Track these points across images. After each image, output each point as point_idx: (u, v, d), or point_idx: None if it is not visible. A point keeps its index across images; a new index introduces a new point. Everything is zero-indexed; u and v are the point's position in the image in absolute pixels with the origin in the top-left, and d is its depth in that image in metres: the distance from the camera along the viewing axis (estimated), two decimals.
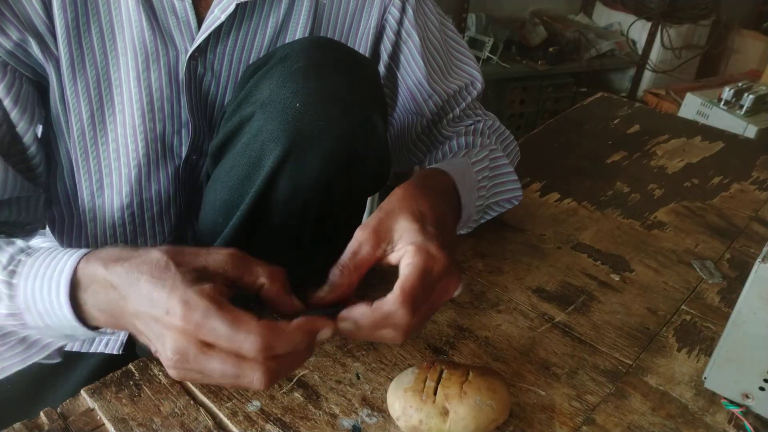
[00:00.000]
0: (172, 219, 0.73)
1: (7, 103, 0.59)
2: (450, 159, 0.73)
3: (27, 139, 0.62)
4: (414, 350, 0.66)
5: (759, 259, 0.58)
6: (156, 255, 0.46)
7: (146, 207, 0.70)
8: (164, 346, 0.44)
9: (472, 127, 0.80)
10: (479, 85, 0.81)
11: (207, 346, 0.43)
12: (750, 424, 0.60)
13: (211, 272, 0.46)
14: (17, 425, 0.55)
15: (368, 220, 0.53)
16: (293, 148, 0.57)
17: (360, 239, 0.52)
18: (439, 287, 0.52)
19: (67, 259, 0.48)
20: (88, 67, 0.62)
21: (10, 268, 0.49)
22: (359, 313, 0.48)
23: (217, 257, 0.47)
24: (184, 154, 0.70)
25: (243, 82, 0.63)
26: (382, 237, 0.53)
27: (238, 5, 0.62)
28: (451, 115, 0.80)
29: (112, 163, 0.67)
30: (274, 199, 0.60)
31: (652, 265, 0.84)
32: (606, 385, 0.64)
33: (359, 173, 0.62)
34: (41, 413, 0.56)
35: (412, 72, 0.76)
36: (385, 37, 0.74)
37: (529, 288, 0.78)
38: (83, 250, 0.49)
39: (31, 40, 0.59)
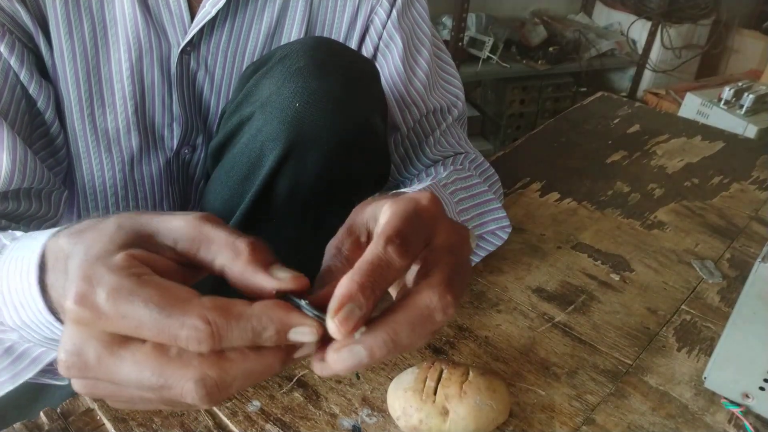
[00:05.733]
0: None
1: (13, 62, 0.57)
2: (414, 186, 0.63)
3: (48, 116, 0.60)
4: (414, 350, 0.66)
5: (759, 259, 0.58)
6: (109, 220, 0.34)
7: (140, 199, 0.71)
8: (60, 345, 0.31)
9: (450, 158, 0.76)
10: (461, 105, 0.79)
11: (119, 341, 0.30)
12: (750, 423, 0.60)
13: (158, 243, 0.33)
14: (17, 425, 0.55)
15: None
16: (293, 148, 0.57)
17: (339, 236, 0.38)
18: (442, 236, 0.35)
19: (41, 236, 0.36)
20: (79, 59, 0.62)
21: None
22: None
23: (172, 222, 0.34)
24: (174, 147, 0.70)
25: (243, 82, 0.63)
26: (361, 222, 0.38)
27: (229, 0, 0.62)
28: (431, 138, 0.76)
29: (103, 155, 0.67)
30: (273, 199, 0.60)
31: (652, 264, 0.84)
32: (606, 385, 0.64)
33: (359, 173, 0.62)
34: (41, 413, 0.56)
35: (390, 76, 0.73)
36: (368, 38, 0.73)
37: (529, 288, 0.78)
38: (61, 227, 0.37)
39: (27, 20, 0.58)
